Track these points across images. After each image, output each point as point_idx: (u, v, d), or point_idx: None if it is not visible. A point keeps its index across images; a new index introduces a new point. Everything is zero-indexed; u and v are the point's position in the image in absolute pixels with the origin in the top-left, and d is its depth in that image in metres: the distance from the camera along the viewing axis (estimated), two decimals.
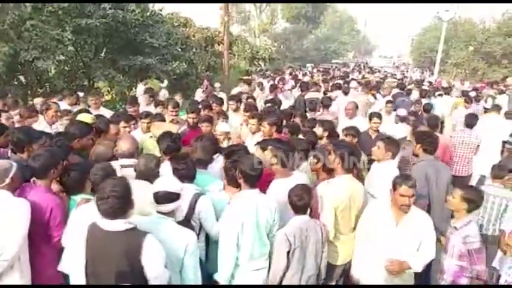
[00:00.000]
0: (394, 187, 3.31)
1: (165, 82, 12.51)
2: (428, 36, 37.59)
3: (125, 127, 5.08)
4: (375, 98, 9.94)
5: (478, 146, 6.46)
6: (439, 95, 11.02)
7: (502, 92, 12.58)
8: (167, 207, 2.71)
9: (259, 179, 3.23)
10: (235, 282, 3.15)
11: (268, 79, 15.71)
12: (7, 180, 2.89)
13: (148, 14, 13.79)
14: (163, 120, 5.64)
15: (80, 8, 10.81)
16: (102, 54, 13.01)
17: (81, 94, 8.25)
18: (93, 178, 3.08)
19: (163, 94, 10.75)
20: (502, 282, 3.37)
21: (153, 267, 2.45)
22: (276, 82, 13.74)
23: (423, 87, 13.23)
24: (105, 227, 2.42)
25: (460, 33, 27.99)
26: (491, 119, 7.87)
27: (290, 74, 19.28)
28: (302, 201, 3.20)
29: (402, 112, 7.30)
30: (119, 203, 2.38)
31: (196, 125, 5.67)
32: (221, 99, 7.58)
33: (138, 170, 3.39)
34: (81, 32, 10.92)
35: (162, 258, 2.49)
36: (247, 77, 15.76)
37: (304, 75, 19.70)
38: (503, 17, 24.71)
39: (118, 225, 2.41)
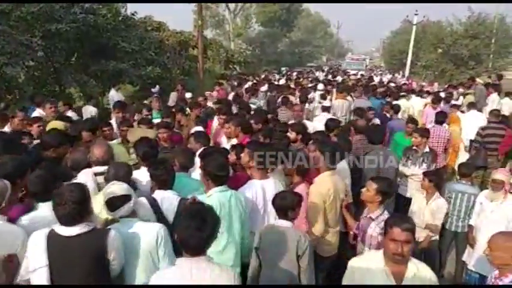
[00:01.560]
0: (385, 230, 2.61)
1: (157, 87, 12.36)
2: (399, 39, 38.54)
3: (104, 131, 5.10)
4: (325, 98, 10.29)
5: (449, 140, 6.88)
6: (402, 96, 11.35)
7: (466, 93, 13.01)
8: (121, 210, 2.71)
9: (226, 180, 3.26)
10: None
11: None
12: (3, 204, 2.65)
13: (120, 18, 13.66)
14: (131, 126, 5.55)
15: (50, 13, 10.59)
16: (74, 59, 12.78)
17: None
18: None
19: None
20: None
21: (117, 261, 2.55)
22: (251, 85, 13.80)
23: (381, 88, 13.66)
24: (64, 233, 2.40)
25: (429, 36, 28.74)
26: (471, 116, 8.41)
27: (264, 78, 19.40)
28: (283, 204, 3.18)
29: (327, 103, 8.08)
30: (76, 208, 2.38)
31: (172, 128, 5.66)
32: (198, 103, 7.58)
33: (107, 180, 3.23)
34: (51, 37, 10.70)
35: (123, 250, 2.59)
36: (222, 80, 15.75)
37: (280, 79, 19.84)
38: (469, 19, 25.55)
39: (77, 229, 2.41)
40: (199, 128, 5.53)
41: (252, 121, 5.65)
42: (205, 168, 3.24)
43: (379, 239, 3.33)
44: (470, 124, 8.01)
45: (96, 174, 3.47)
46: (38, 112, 6.53)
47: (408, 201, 5.38)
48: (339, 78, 21.26)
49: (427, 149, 5.52)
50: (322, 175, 3.91)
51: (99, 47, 12.42)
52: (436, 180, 4.58)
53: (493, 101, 11.38)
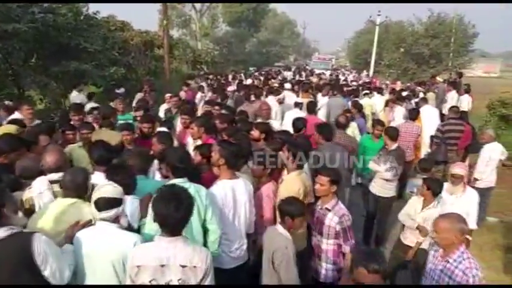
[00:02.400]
0: (351, 267, 2.43)
1: (122, 89, 12.04)
2: (363, 39, 39.40)
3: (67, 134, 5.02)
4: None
5: (419, 135, 7.38)
6: (365, 94, 11.61)
7: (428, 91, 13.47)
8: (109, 213, 2.64)
9: (187, 173, 3.23)
10: None
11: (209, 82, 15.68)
12: None
13: (82, 17, 13.26)
14: (93, 129, 5.31)
15: (6, 13, 10.13)
16: (33, 61, 12.30)
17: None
18: None
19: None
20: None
21: (48, 265, 2.38)
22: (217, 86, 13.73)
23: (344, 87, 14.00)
24: None
25: (391, 36, 29.48)
26: (425, 111, 8.81)
27: (233, 78, 19.34)
28: (285, 210, 3.22)
29: (299, 100, 8.58)
30: None
31: (150, 134, 5.36)
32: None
33: (64, 186, 3.01)
34: (8, 37, 10.22)
35: (56, 254, 2.45)
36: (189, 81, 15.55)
37: (248, 77, 19.83)
38: (430, 19, 26.36)
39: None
40: (163, 129, 5.42)
41: (217, 121, 5.61)
42: (166, 160, 3.27)
43: (337, 228, 3.48)
44: (426, 119, 8.35)
45: (51, 182, 3.23)
46: (17, 115, 6.19)
47: (377, 198, 5.50)
48: (311, 78, 21.45)
49: (394, 147, 5.51)
50: (291, 174, 4.01)
51: (60, 47, 12.00)
52: (435, 188, 4.27)
53: (452, 98, 11.84)
